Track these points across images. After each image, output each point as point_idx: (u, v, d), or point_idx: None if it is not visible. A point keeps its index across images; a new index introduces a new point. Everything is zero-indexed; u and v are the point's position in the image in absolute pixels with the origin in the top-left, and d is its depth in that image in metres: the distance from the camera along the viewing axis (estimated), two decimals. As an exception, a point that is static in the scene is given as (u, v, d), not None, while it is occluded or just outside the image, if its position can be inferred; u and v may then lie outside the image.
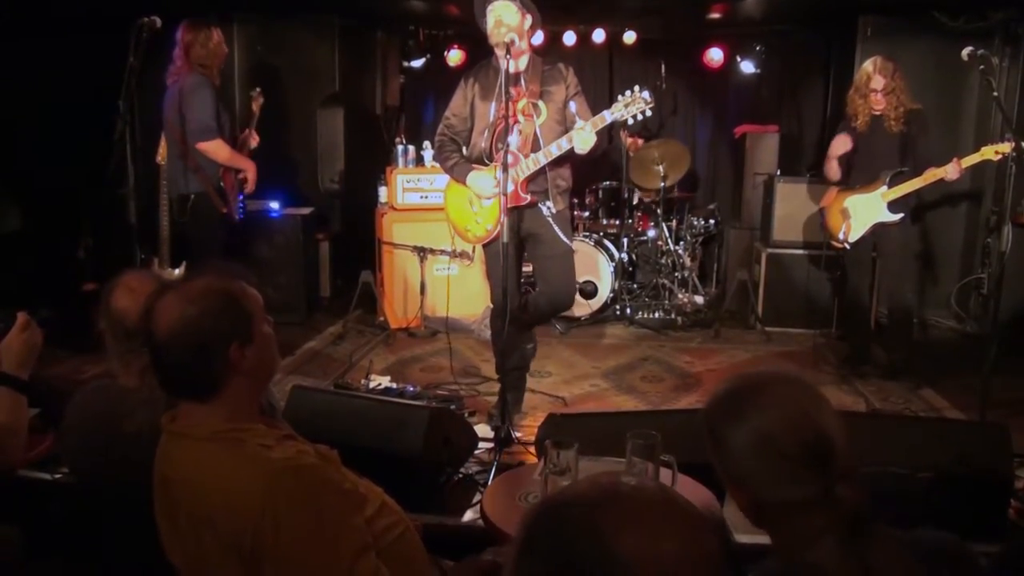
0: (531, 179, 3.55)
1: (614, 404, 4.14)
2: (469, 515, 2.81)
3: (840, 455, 1.13)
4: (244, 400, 1.52)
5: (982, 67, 3.54)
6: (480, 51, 7.12)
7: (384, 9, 6.31)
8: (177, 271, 4.59)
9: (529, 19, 3.52)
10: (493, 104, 3.53)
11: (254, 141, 4.65)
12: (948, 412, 3.98)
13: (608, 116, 3.43)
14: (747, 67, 6.79)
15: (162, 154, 4.46)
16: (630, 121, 3.49)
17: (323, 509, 1.40)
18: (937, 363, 4.68)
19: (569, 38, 6.85)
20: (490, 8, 3.47)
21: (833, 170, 4.54)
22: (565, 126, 3.56)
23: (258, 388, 1.59)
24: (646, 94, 3.42)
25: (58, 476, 2.55)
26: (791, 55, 6.83)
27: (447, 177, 3.80)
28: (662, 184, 5.87)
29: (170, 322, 1.46)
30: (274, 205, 5.74)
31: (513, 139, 3.52)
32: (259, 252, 5.50)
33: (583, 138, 3.40)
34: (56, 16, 4.86)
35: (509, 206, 3.42)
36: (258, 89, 4.82)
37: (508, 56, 3.28)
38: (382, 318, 5.53)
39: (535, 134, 3.53)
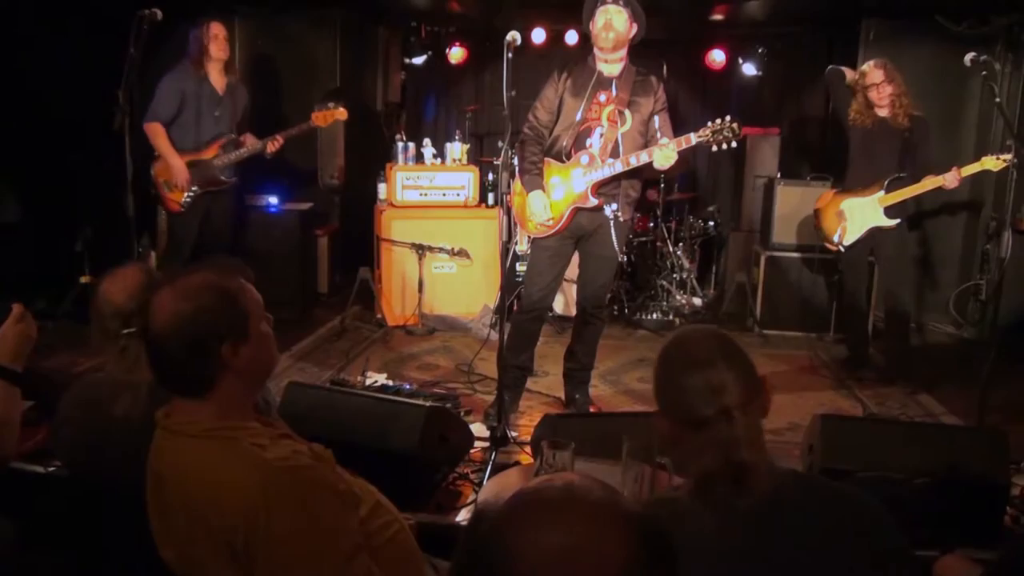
0: (603, 184, 3.59)
1: (611, 405, 4.14)
2: (464, 514, 2.80)
3: (736, 389, 1.37)
4: (238, 398, 1.51)
5: (984, 73, 3.54)
6: (482, 49, 7.17)
7: (386, 4, 6.30)
8: (175, 264, 4.59)
9: (635, 28, 3.56)
10: (583, 103, 3.56)
11: (272, 146, 4.66)
12: (945, 418, 3.98)
13: (694, 138, 3.49)
14: (749, 69, 6.78)
15: None
16: (714, 148, 3.50)
17: (317, 510, 1.39)
18: (935, 368, 4.67)
19: (571, 37, 6.84)
20: (602, 9, 3.50)
21: None
22: (646, 138, 3.61)
23: (253, 387, 1.58)
24: (736, 125, 3.46)
25: (51, 469, 2.54)
26: (793, 58, 6.83)
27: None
28: (661, 184, 5.86)
29: (164, 317, 1.44)
30: (273, 200, 5.73)
31: (594, 141, 3.57)
32: (257, 247, 5.49)
33: (664, 155, 3.44)
34: (57, 7, 4.84)
35: (577, 207, 3.60)
36: (332, 104, 4.80)
37: (509, 54, 3.27)
38: (379, 315, 5.52)
39: (616, 140, 3.57)
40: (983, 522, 2.57)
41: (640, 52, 6.96)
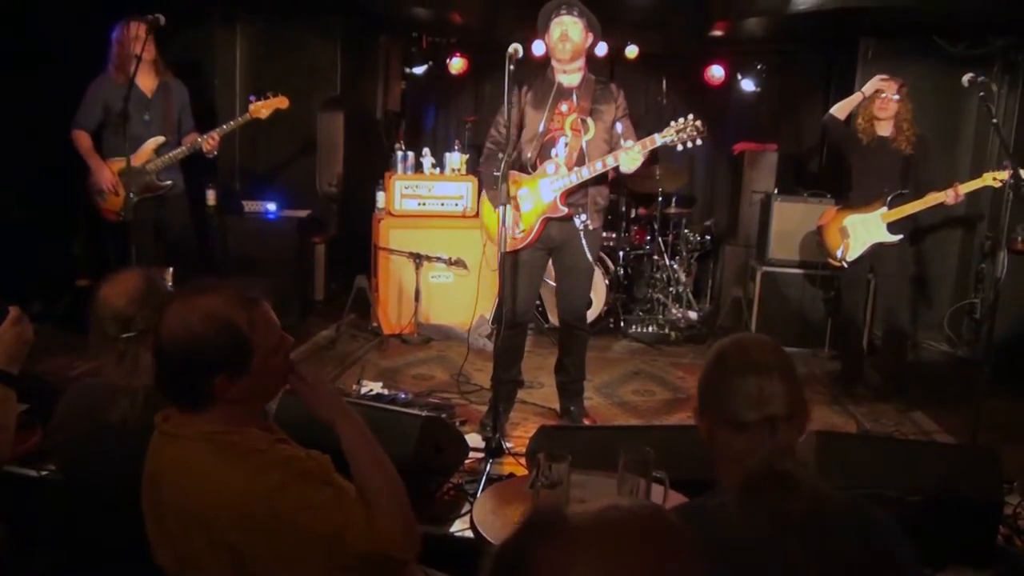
0: (571, 192, 3.59)
1: (606, 417, 4.13)
2: (458, 525, 2.80)
3: (783, 401, 1.39)
4: (236, 416, 1.49)
5: (981, 93, 3.56)
6: (482, 60, 7.19)
7: (388, 14, 6.32)
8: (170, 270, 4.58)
9: (591, 38, 3.57)
10: (544, 114, 3.57)
11: (209, 144, 4.48)
12: (938, 436, 3.98)
13: (658, 139, 3.48)
14: (747, 85, 6.82)
15: None
16: (679, 147, 3.51)
17: (315, 517, 1.39)
18: (929, 386, 4.68)
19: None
20: (556, 20, 3.52)
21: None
22: (611, 145, 3.61)
23: (252, 410, 1.55)
24: (699, 123, 3.46)
25: (44, 473, 2.53)
26: (791, 75, 6.87)
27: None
28: (659, 198, 5.88)
29: (167, 335, 1.44)
30: (271, 207, 5.74)
31: (559, 151, 3.58)
32: (254, 253, 5.49)
33: (631, 158, 3.45)
34: (59, 11, 4.85)
35: (547, 217, 3.57)
36: (271, 94, 4.66)
37: (510, 66, 3.28)
38: (376, 323, 5.52)
39: (581, 149, 3.57)
40: (976, 541, 2.57)
41: (640, 66, 7.05)
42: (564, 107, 3.58)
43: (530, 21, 6.64)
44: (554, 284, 4.07)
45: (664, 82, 6.65)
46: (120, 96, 3.98)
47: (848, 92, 5.70)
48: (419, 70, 7.19)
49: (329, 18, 6.09)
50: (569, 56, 3.53)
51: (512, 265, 3.79)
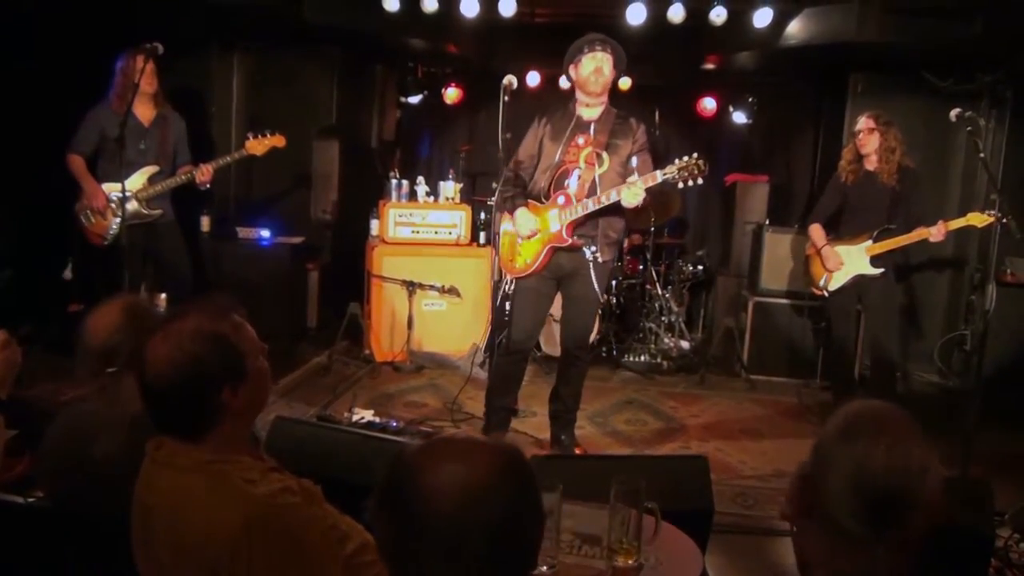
0: (579, 224, 3.62)
1: (598, 447, 4.12)
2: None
3: (911, 518, 1.17)
4: (236, 435, 1.50)
5: (969, 128, 3.61)
6: (477, 90, 7.25)
7: (385, 44, 6.39)
8: (163, 296, 4.57)
9: (615, 73, 3.66)
10: (561, 146, 3.64)
11: (202, 176, 4.53)
12: (930, 467, 3.97)
13: (660, 176, 3.50)
14: (739, 117, 6.89)
15: None
16: (681, 185, 3.54)
17: (301, 551, 1.38)
18: (919, 418, 4.65)
19: (565, 82, 6.94)
20: (591, 55, 3.59)
21: (817, 231, 4.54)
22: (624, 179, 3.63)
23: (250, 422, 1.57)
24: (701, 162, 3.48)
25: (31, 500, 2.50)
26: (782, 107, 6.94)
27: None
28: (652, 228, 5.91)
29: (160, 367, 1.43)
30: (265, 233, 5.75)
31: (572, 183, 3.62)
32: (247, 279, 5.49)
33: (632, 192, 3.47)
34: (56, 37, 4.88)
35: (553, 246, 3.64)
36: (268, 132, 4.73)
37: (505, 97, 3.32)
38: (368, 351, 5.51)
39: (594, 182, 3.61)
40: (967, 574, 2.56)
41: (633, 98, 7.11)
42: (580, 140, 3.65)
43: (524, 52, 6.73)
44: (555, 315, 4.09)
45: (656, 113, 6.71)
46: (117, 124, 4.03)
47: (838, 125, 5.82)
48: (415, 99, 7.25)
49: (326, 47, 6.14)
50: (600, 89, 3.61)
51: (517, 292, 3.82)
